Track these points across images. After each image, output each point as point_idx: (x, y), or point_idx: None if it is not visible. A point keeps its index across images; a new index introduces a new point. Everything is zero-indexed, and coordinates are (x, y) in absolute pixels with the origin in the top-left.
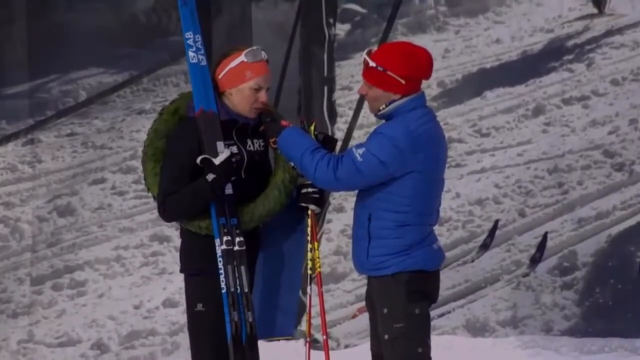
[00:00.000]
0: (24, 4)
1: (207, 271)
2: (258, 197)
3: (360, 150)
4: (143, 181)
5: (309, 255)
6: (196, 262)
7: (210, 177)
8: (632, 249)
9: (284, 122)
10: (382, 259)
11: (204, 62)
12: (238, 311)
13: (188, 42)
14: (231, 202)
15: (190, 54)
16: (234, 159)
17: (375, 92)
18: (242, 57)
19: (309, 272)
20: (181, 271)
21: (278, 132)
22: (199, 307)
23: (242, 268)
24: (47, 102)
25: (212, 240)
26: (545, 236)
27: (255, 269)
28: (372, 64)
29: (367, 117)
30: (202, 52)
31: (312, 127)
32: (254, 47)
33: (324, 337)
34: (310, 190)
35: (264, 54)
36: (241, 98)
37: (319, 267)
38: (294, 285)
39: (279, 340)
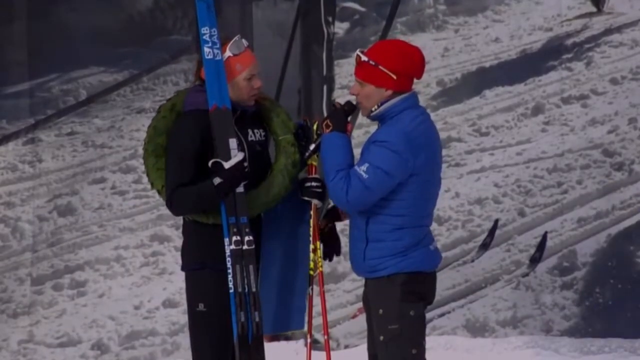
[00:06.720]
0: (24, 4)
1: (211, 266)
2: (261, 184)
3: (364, 167)
4: (144, 180)
5: (311, 256)
6: (200, 256)
7: (217, 180)
8: (631, 248)
9: (349, 126)
10: (378, 261)
11: (219, 57)
12: (245, 311)
13: (204, 37)
14: (242, 200)
15: (206, 49)
16: (246, 164)
17: (367, 89)
18: (227, 53)
19: (310, 272)
20: (182, 269)
21: (332, 128)
22: (200, 307)
23: (250, 267)
24: (47, 101)
25: (218, 232)
26: (545, 236)
27: (259, 264)
28: (364, 58)
29: None
30: (218, 46)
31: (315, 127)
32: (235, 39)
33: (325, 337)
34: (313, 184)
35: (245, 42)
36: (238, 90)
37: (321, 266)
38: (303, 279)
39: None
